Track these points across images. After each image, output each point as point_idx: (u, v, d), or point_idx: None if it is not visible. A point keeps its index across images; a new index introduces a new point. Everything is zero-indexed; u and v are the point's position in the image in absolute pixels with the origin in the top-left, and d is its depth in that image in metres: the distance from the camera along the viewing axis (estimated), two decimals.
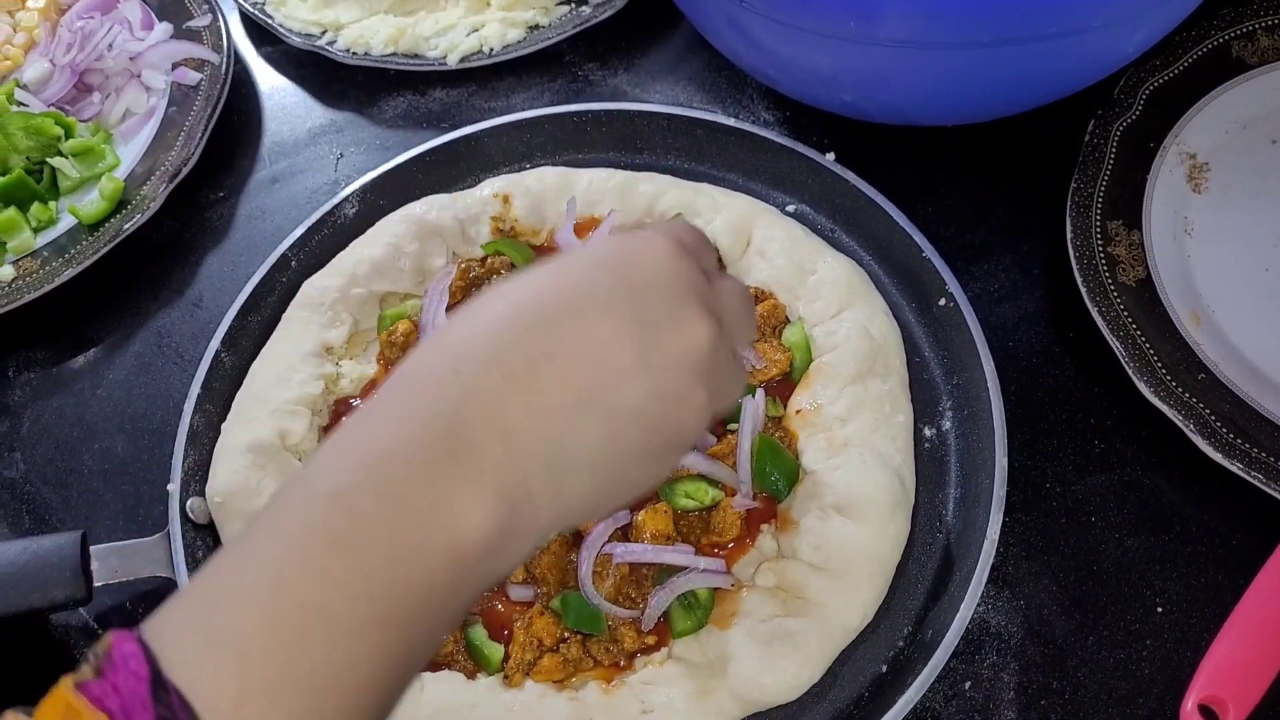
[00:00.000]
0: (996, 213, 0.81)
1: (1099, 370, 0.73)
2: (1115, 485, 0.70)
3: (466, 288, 0.78)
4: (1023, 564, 0.68)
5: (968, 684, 0.64)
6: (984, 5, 0.64)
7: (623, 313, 0.42)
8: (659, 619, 0.65)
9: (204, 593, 0.37)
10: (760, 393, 0.71)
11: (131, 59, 0.92)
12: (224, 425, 0.73)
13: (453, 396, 0.40)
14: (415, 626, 0.37)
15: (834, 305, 0.74)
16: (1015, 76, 0.71)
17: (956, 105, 0.76)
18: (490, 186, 0.82)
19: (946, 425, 0.71)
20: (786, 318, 0.76)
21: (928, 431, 0.71)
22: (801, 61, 0.74)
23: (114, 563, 0.68)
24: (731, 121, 0.83)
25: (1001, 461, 0.66)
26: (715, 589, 0.65)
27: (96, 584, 0.67)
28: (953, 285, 0.73)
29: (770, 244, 0.77)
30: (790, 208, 0.82)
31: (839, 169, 0.79)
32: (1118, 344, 0.71)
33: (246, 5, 0.95)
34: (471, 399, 0.39)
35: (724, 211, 0.79)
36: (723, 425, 0.71)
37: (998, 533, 0.64)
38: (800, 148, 0.81)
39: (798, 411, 0.71)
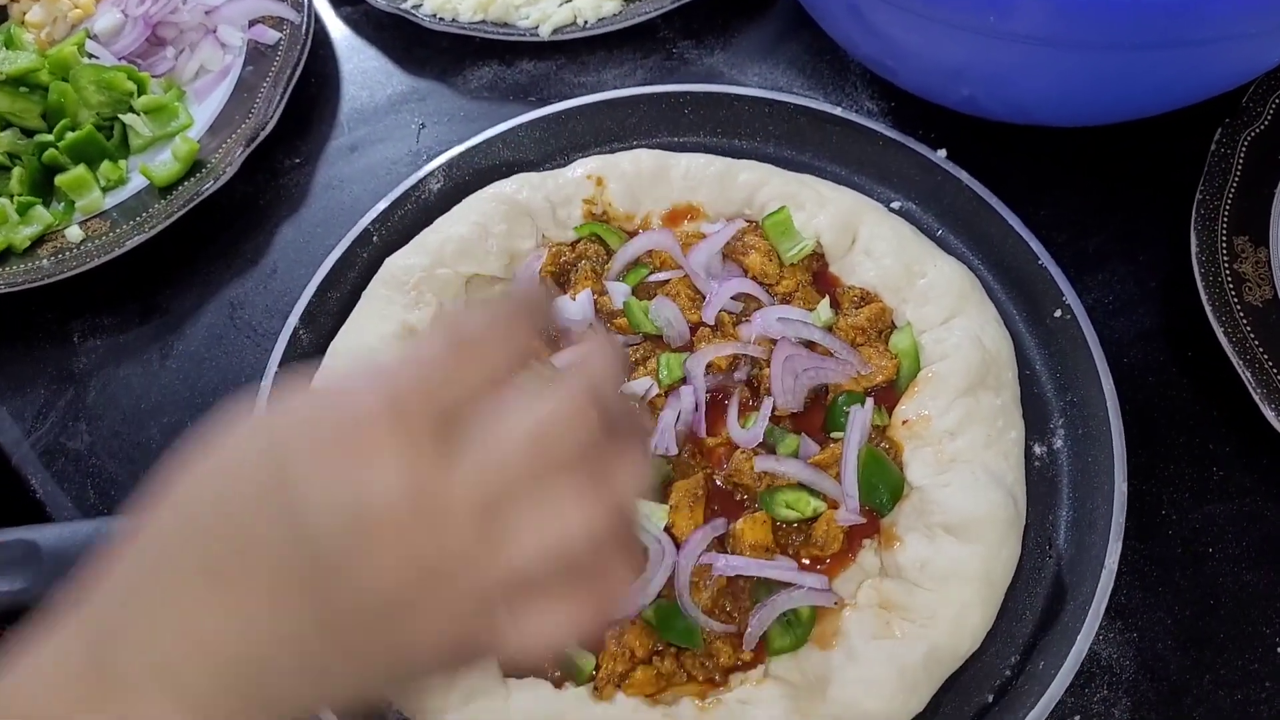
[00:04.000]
0: (1113, 220, 0.77)
1: (1220, 393, 0.70)
2: (1235, 515, 0.67)
3: (557, 273, 0.75)
4: (1136, 594, 0.65)
5: (1077, 718, 0.61)
6: (1132, 6, 0.60)
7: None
8: None
9: None
10: (869, 402, 0.67)
11: (207, 13, 0.89)
12: None
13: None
14: None
15: (944, 311, 0.71)
16: (1151, 80, 0.67)
17: (1085, 106, 0.73)
18: (583, 167, 0.78)
19: (1058, 443, 0.68)
20: (893, 322, 0.72)
21: (1038, 449, 0.68)
22: (927, 53, 0.71)
23: None
24: (839, 111, 0.79)
25: (1121, 486, 0.63)
26: (816, 606, 0.62)
27: None
28: (1070, 296, 0.70)
29: (878, 243, 0.74)
30: (896, 204, 0.78)
31: (951, 167, 0.76)
32: (1242, 366, 0.67)
33: None
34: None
35: (829, 206, 0.75)
36: (826, 433, 0.68)
37: (1116, 562, 0.61)
38: (911, 143, 0.77)
39: (904, 422, 0.68)
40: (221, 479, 0.37)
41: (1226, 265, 0.72)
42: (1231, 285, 0.71)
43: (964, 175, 0.75)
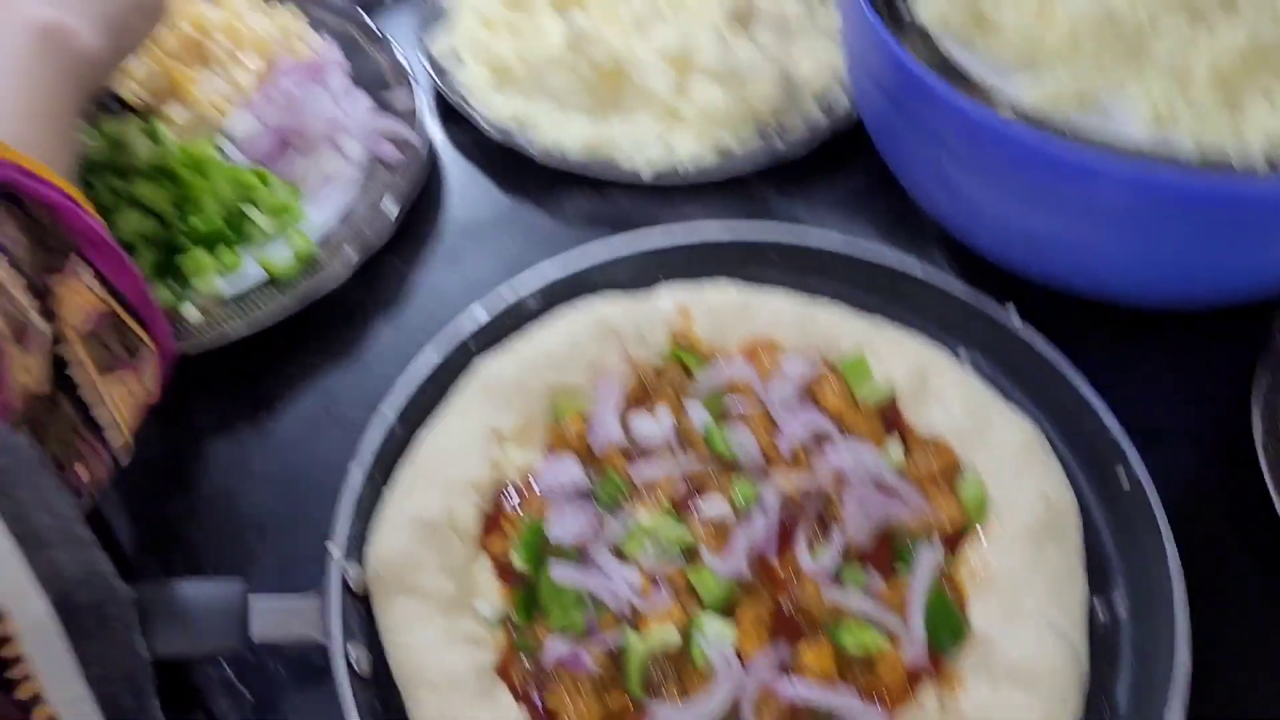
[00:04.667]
0: (1181, 394, 0.81)
1: None
2: None
3: (640, 392, 0.79)
4: None
5: None
6: (1222, 196, 0.64)
7: None
8: None
9: None
10: (938, 543, 0.70)
11: (333, 127, 0.96)
12: (388, 495, 0.74)
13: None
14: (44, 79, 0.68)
15: (1011, 465, 0.73)
16: (1238, 269, 0.71)
17: (1164, 291, 0.76)
18: (671, 296, 0.83)
19: (1120, 605, 0.69)
20: (961, 470, 0.75)
21: (1099, 608, 0.70)
22: (1005, 220, 0.75)
23: (269, 618, 0.67)
24: (917, 272, 0.83)
25: (1183, 656, 0.64)
26: None
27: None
28: (1135, 463, 0.72)
29: (949, 393, 0.77)
30: (966, 357, 0.81)
31: (1022, 328, 0.79)
32: None
33: (446, 91, 0.99)
34: None
35: (903, 354, 0.79)
36: (892, 571, 0.70)
37: None
38: (984, 301, 0.81)
39: (969, 568, 0.70)
40: None
41: None
42: None
43: (1035, 337, 0.79)
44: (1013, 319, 0.80)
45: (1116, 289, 0.79)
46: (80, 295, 0.62)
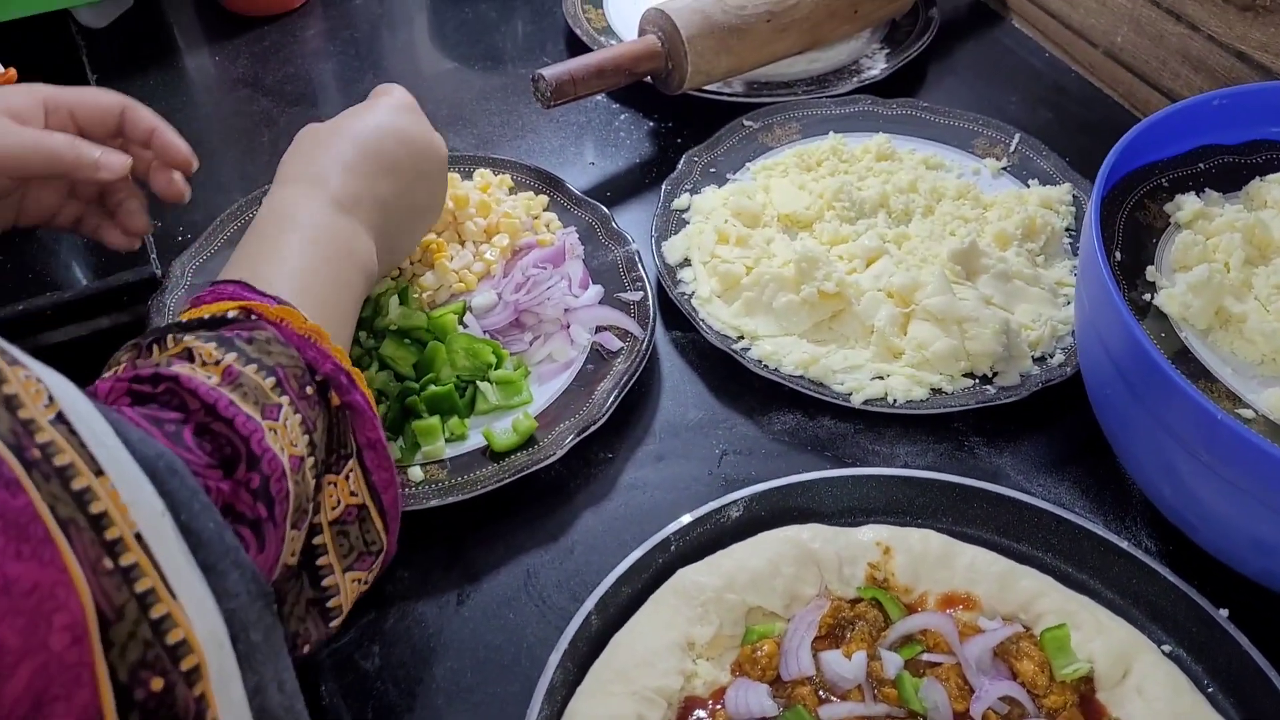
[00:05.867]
0: None
1: None
2: None
3: (834, 626, 0.80)
4: None
5: None
6: None
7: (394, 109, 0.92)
8: None
9: (252, 267, 0.74)
10: None
11: (566, 311, 1.02)
12: (580, 689, 0.75)
13: (326, 194, 0.83)
14: (353, 288, 0.81)
15: None
16: None
17: None
18: (874, 533, 0.84)
19: None
20: None
21: None
22: (1236, 522, 0.75)
23: None
24: (1125, 544, 0.83)
25: None
26: None
27: None
28: None
29: (1151, 685, 0.75)
30: (1167, 648, 0.80)
31: (1232, 628, 0.77)
32: None
33: (674, 294, 1.04)
34: (340, 197, 0.83)
35: (1106, 634, 0.78)
36: None
37: None
38: (1194, 594, 0.79)
39: None
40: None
41: None
42: None
43: (1244, 639, 0.77)
44: (1223, 620, 0.78)
45: None
46: (342, 490, 0.67)
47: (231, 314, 0.66)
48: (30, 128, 0.81)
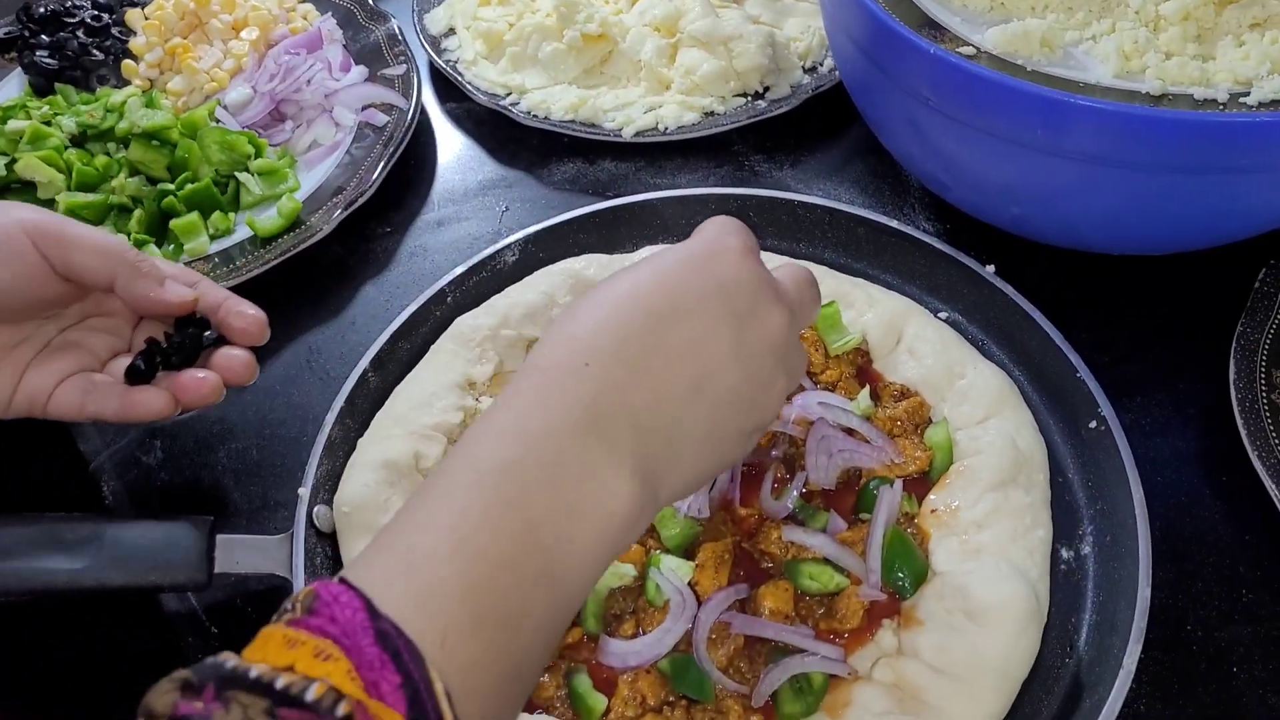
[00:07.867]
0: (1156, 346, 0.80)
1: (1253, 519, 0.70)
2: (1262, 639, 0.66)
3: None
4: (1156, 705, 0.64)
5: None
6: (1177, 126, 0.64)
7: (716, 309, 0.50)
8: (768, 698, 0.63)
9: (394, 551, 0.42)
10: (899, 484, 0.69)
11: (326, 95, 0.98)
12: (361, 440, 0.75)
13: (588, 387, 0.47)
14: (569, 580, 0.43)
15: (981, 411, 0.73)
16: (1198, 209, 0.70)
17: (1132, 233, 0.76)
18: (648, 251, 0.84)
19: (1085, 550, 0.69)
20: (929, 418, 0.75)
21: (1065, 553, 0.69)
22: (978, 168, 0.75)
23: (236, 555, 0.68)
24: (894, 223, 0.83)
25: (1144, 592, 0.63)
26: (830, 675, 0.63)
27: (215, 571, 0.67)
28: (1105, 409, 0.71)
29: (921, 344, 0.77)
30: (943, 315, 0.81)
31: (999, 282, 0.79)
32: (1277, 495, 0.68)
33: (440, 62, 1.01)
34: (603, 389, 0.47)
35: (877, 307, 0.79)
36: (855, 515, 0.70)
37: (1135, 664, 0.61)
38: (961, 256, 0.81)
39: (933, 511, 0.69)
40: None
41: (1264, 395, 0.73)
42: (1269, 415, 0.72)
43: (1010, 290, 0.78)
44: (990, 275, 0.79)
45: (1090, 236, 0.79)
46: None
47: (311, 696, 0.37)
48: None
